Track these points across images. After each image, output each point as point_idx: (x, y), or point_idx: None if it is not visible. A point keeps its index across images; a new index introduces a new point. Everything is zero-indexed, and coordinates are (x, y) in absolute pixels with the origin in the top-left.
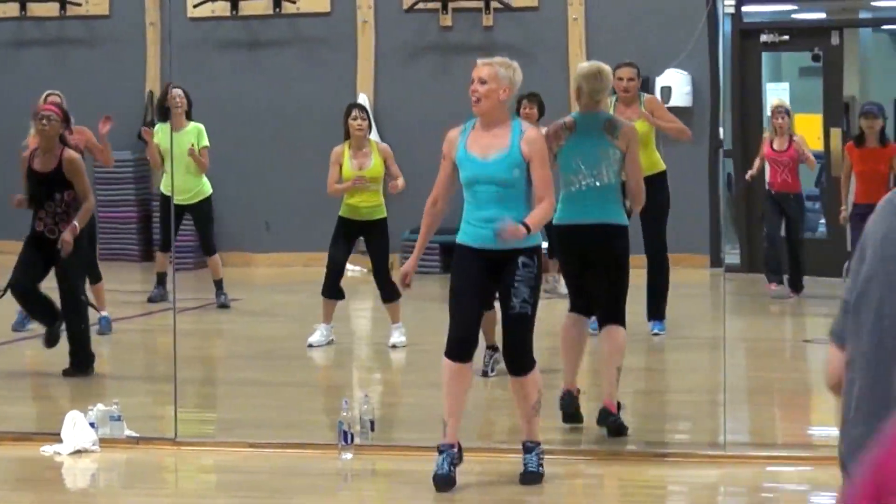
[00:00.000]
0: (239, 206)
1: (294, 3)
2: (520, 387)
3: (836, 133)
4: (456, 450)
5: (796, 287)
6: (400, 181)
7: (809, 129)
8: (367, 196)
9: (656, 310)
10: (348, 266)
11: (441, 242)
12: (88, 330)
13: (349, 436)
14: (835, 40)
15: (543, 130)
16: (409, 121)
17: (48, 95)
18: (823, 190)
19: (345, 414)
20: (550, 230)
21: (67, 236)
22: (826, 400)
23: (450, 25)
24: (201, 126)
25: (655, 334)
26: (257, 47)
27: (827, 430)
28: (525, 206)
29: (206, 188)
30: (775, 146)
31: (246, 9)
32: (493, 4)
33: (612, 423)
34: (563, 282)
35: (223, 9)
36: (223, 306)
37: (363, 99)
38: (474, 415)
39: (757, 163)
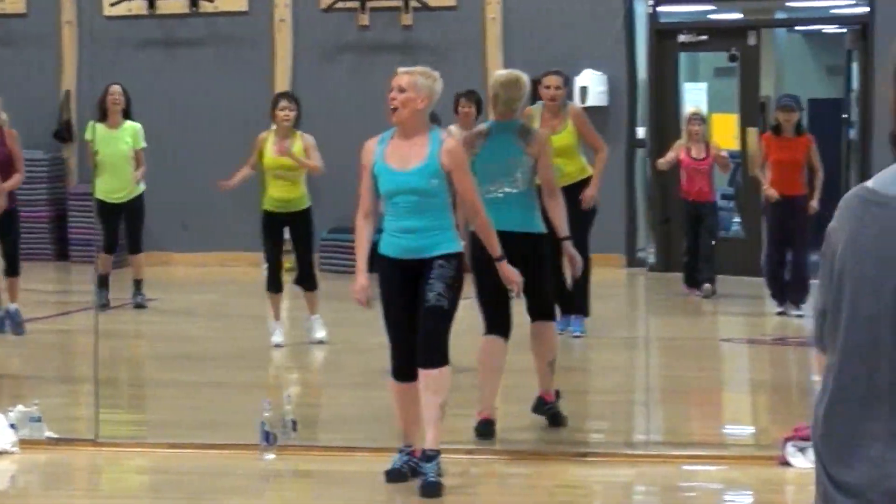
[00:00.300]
0: (156, 205)
1: (211, 1)
2: (429, 380)
3: (752, 132)
4: (411, 450)
5: (709, 281)
6: (314, 163)
7: (725, 129)
8: (289, 187)
9: (578, 307)
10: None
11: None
12: None
13: (271, 436)
14: (752, 40)
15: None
16: (327, 120)
17: None
18: (739, 189)
19: (266, 414)
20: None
21: None
22: (741, 399)
23: (367, 25)
24: (138, 126)
25: (577, 336)
26: (174, 46)
27: (742, 429)
28: (445, 214)
29: (140, 186)
30: (693, 154)
31: (163, 7)
32: (412, 3)
33: (548, 412)
34: None
35: (140, 7)
36: (139, 306)
37: None
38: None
39: (670, 155)
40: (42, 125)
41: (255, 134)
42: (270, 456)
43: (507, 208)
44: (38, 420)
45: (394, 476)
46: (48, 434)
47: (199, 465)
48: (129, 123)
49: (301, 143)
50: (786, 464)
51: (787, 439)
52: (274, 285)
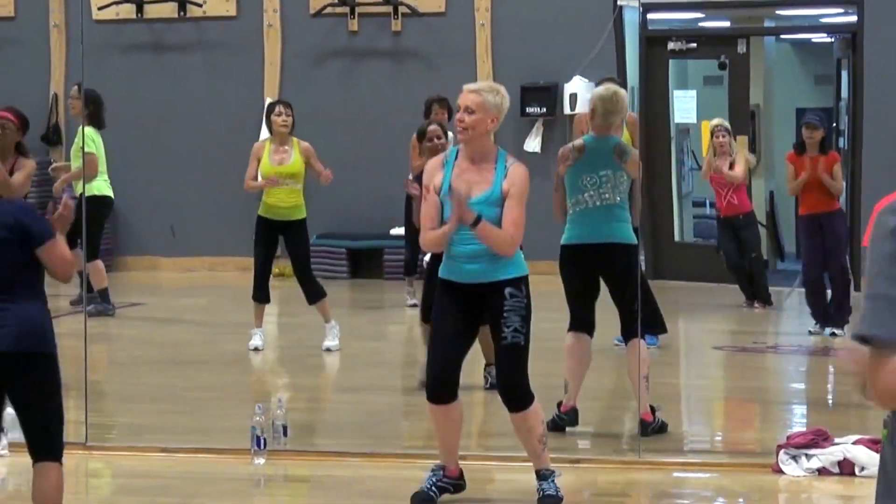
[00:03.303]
0: (144, 210)
1: (200, 6)
2: (521, 422)
3: (742, 140)
4: (443, 472)
5: (765, 300)
6: (326, 172)
7: None
8: (286, 195)
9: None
10: None
11: (348, 248)
12: None
13: (262, 441)
14: (741, 48)
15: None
16: (316, 125)
17: None
18: None
19: (258, 419)
20: None
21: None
22: (734, 407)
23: (357, 30)
24: (90, 130)
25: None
26: (163, 51)
27: (734, 437)
28: None
29: (93, 188)
30: (717, 168)
31: (151, 12)
32: (401, 10)
33: (651, 433)
34: None
35: (128, 11)
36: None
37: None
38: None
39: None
40: (31, 129)
41: (244, 139)
42: (261, 461)
43: (597, 220)
44: None
45: (423, 499)
46: None
47: (189, 469)
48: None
49: (299, 149)
50: (779, 471)
51: (780, 447)
52: (260, 295)
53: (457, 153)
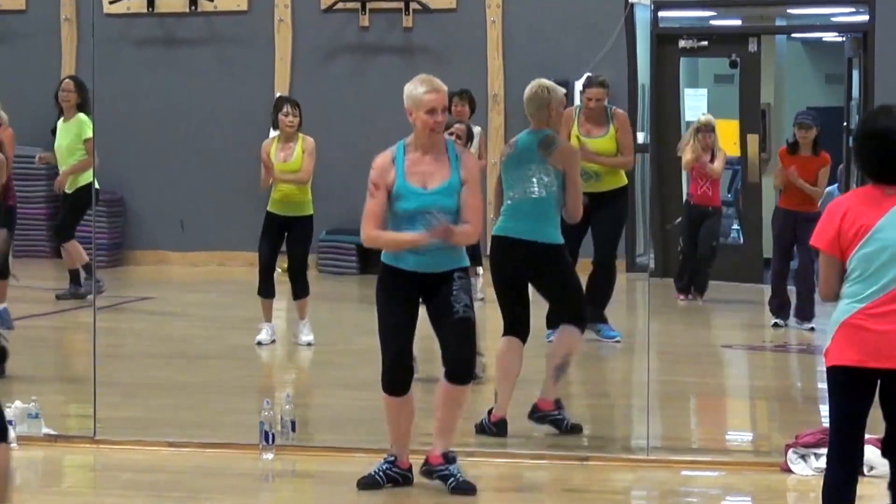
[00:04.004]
0: (154, 204)
1: (211, 0)
2: (457, 395)
3: (753, 139)
4: (394, 460)
5: (701, 290)
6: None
7: (726, 135)
8: (294, 191)
9: (598, 315)
10: None
11: (357, 243)
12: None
13: (270, 436)
14: (752, 47)
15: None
16: (326, 121)
17: None
18: (738, 196)
19: (266, 414)
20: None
21: None
22: (742, 406)
23: (367, 26)
24: (85, 118)
25: (615, 340)
26: (173, 45)
27: (742, 435)
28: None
29: (87, 177)
30: (706, 159)
31: (162, 6)
32: (412, 6)
33: (538, 420)
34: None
35: (139, 5)
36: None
37: None
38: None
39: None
40: (40, 122)
41: (254, 134)
42: (269, 456)
43: (521, 216)
44: (36, 417)
45: (368, 483)
46: (46, 431)
47: (197, 464)
48: (78, 116)
49: (302, 145)
50: (787, 471)
51: (789, 446)
52: (265, 290)
53: (404, 147)
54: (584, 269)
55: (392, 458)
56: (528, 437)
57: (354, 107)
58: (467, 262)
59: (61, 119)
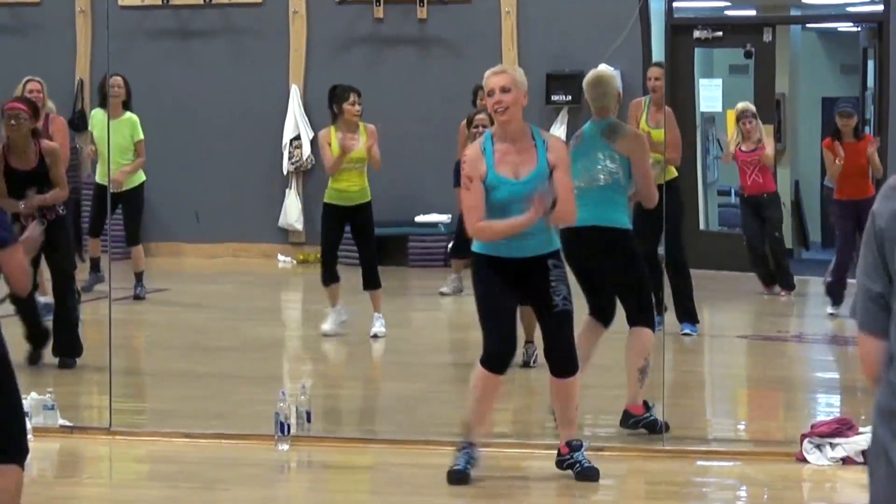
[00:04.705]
0: (169, 195)
1: None
2: (567, 388)
3: (768, 130)
4: (475, 449)
5: (788, 285)
6: (376, 159)
7: None
8: (354, 179)
9: (683, 311)
10: (279, 257)
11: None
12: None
13: (286, 427)
14: (767, 37)
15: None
16: None
17: (27, 82)
18: None
19: (281, 405)
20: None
21: (35, 201)
22: (758, 396)
23: (382, 17)
24: (136, 118)
25: (686, 334)
26: (188, 37)
27: (758, 425)
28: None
29: (140, 176)
30: (743, 147)
31: None
32: None
33: (632, 426)
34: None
35: None
36: (138, 298)
37: (294, 90)
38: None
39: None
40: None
41: (268, 125)
42: (285, 447)
43: (588, 204)
44: (52, 408)
45: (459, 478)
46: (62, 422)
47: (212, 454)
48: (128, 115)
49: (366, 134)
50: (803, 460)
51: (805, 436)
52: (329, 278)
53: (491, 138)
54: None
55: (465, 445)
56: (543, 429)
57: (369, 98)
58: (559, 245)
59: (95, 111)
